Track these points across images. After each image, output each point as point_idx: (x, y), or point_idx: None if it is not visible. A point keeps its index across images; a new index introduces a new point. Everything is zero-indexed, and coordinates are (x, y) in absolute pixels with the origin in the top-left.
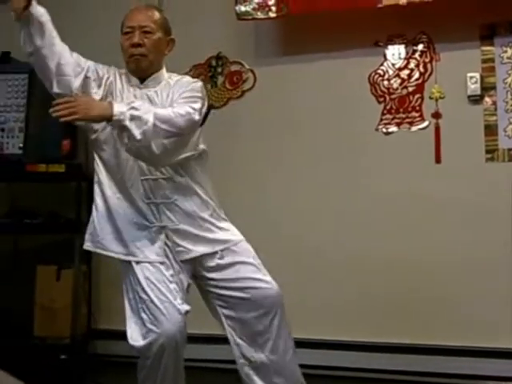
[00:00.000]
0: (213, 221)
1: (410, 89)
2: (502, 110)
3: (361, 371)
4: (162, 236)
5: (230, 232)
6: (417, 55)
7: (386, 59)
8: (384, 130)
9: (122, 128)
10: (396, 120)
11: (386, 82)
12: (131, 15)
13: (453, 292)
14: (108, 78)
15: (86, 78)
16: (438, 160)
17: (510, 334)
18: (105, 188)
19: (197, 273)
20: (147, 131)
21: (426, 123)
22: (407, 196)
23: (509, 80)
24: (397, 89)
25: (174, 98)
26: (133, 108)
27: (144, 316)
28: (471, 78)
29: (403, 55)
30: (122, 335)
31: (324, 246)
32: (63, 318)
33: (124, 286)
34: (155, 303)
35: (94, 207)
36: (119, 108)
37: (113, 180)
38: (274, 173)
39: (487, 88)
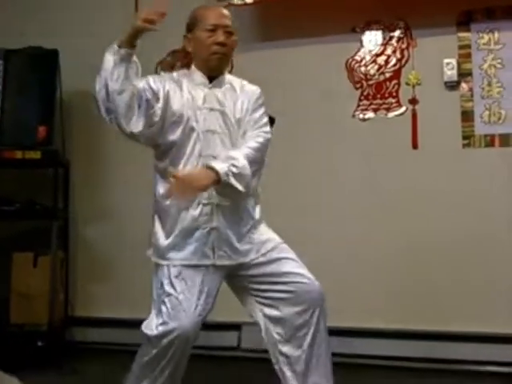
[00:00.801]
0: (254, 228)
1: (387, 75)
2: (479, 96)
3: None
4: (211, 238)
5: (269, 234)
6: (394, 41)
7: (363, 45)
8: (361, 115)
9: (226, 185)
10: (373, 106)
11: (363, 68)
12: (213, 14)
13: (434, 279)
14: (164, 88)
15: (147, 101)
16: (414, 146)
17: None
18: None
19: (234, 272)
20: (248, 182)
21: (402, 109)
22: (384, 181)
23: (485, 66)
24: (374, 75)
25: (242, 114)
26: (232, 165)
27: (164, 309)
28: (448, 64)
29: (380, 41)
30: (100, 322)
31: (302, 235)
32: (40, 305)
33: (155, 279)
34: (179, 299)
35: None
36: (221, 170)
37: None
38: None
39: (464, 74)
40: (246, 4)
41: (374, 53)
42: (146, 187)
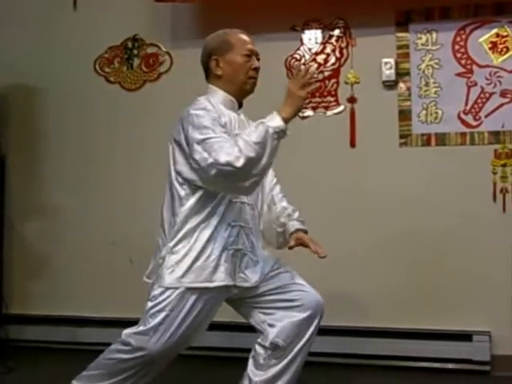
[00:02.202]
0: (262, 248)
1: (326, 73)
2: (416, 96)
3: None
4: (235, 259)
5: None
6: (333, 40)
7: (302, 44)
8: (300, 113)
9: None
10: (312, 104)
11: (302, 67)
12: (248, 39)
13: (374, 277)
14: (220, 118)
15: None
16: (352, 144)
17: None
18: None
19: (236, 296)
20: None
21: (341, 108)
22: (321, 180)
23: (423, 66)
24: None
25: None
26: None
27: (157, 325)
28: (386, 63)
29: (320, 40)
30: (36, 320)
31: None
32: None
33: (167, 304)
34: (183, 337)
35: None
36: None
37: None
38: None
39: (402, 74)
40: (186, 0)
41: (313, 51)
42: (82, 183)
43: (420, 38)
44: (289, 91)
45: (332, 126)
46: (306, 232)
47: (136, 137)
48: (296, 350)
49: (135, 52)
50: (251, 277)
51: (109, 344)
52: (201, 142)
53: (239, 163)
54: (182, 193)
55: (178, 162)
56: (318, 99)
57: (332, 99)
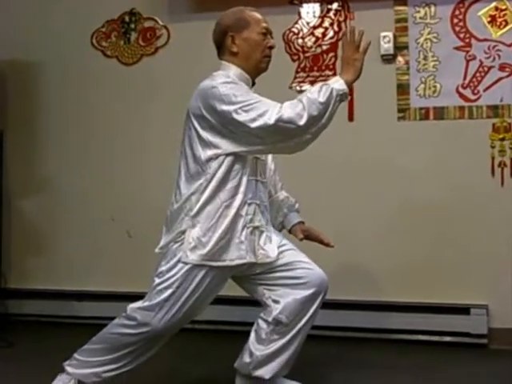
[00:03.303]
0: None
1: (324, 47)
2: (414, 70)
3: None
4: (253, 237)
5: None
6: (331, 14)
7: (300, 17)
8: (298, 87)
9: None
10: (310, 78)
11: (300, 41)
12: (263, 18)
13: (374, 249)
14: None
15: None
16: (350, 118)
17: None
18: None
19: (241, 272)
20: None
21: None
22: (319, 154)
23: (421, 40)
24: (311, 47)
25: None
26: None
27: (171, 310)
28: (384, 37)
29: (318, 14)
30: (35, 294)
31: None
32: None
33: (175, 280)
34: (188, 313)
35: None
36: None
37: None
38: None
39: (400, 47)
40: None
41: (311, 25)
42: (81, 159)
43: (418, 12)
44: (344, 57)
45: None
46: (303, 223)
47: (134, 111)
48: (299, 326)
49: (132, 26)
50: (271, 252)
51: (107, 318)
52: (247, 104)
53: (302, 121)
54: (206, 168)
55: (205, 134)
56: (316, 73)
57: (330, 73)
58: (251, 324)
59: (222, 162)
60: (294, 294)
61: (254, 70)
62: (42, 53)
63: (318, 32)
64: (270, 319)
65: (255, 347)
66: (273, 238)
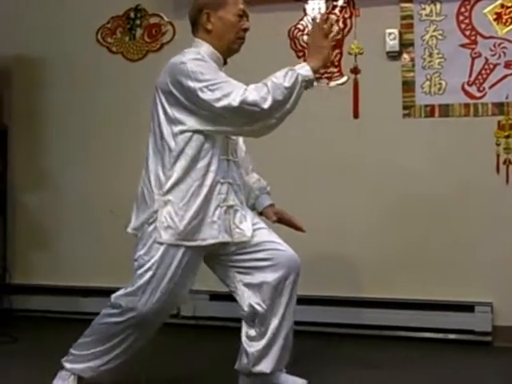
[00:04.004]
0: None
1: None
2: (420, 67)
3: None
4: (228, 216)
5: None
6: (337, 10)
7: (306, 14)
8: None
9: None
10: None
11: (305, 37)
12: (241, 0)
13: (376, 247)
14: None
15: None
16: (355, 115)
17: None
18: None
19: (214, 251)
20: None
21: (344, 78)
22: (325, 150)
23: (426, 37)
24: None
25: None
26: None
27: (154, 292)
28: (390, 34)
29: (323, 10)
30: (39, 289)
31: None
32: None
33: (154, 262)
34: (172, 294)
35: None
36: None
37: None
38: None
39: (405, 44)
40: None
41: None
42: (86, 155)
43: (424, 9)
44: (312, 43)
45: (335, 96)
46: (274, 205)
47: (138, 107)
48: (280, 312)
49: (138, 22)
50: (246, 231)
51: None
52: (213, 83)
53: (266, 104)
54: (173, 145)
55: (171, 110)
56: (321, 70)
57: (335, 70)
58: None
59: (190, 138)
60: (264, 277)
61: (226, 50)
62: (46, 49)
63: None
64: (245, 308)
65: (248, 345)
66: (247, 216)
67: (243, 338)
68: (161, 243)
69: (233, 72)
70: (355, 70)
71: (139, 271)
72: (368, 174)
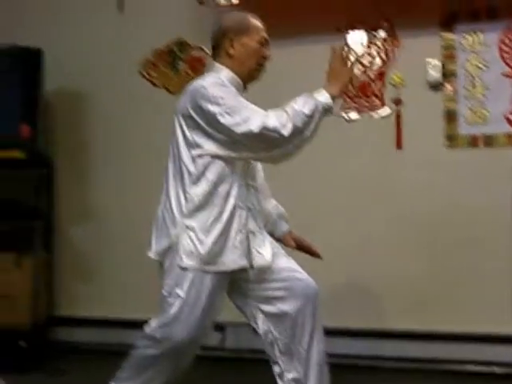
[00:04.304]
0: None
1: (372, 75)
2: (462, 97)
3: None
4: (249, 241)
5: None
6: (378, 41)
7: (347, 44)
8: (345, 116)
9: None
10: (357, 106)
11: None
12: (264, 28)
13: (419, 278)
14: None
15: None
16: (398, 146)
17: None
18: None
19: (233, 277)
20: None
21: (386, 109)
22: (368, 182)
23: (469, 67)
24: (358, 75)
25: None
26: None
27: (172, 312)
28: (432, 64)
29: (364, 41)
30: (84, 322)
31: None
32: (23, 305)
33: (174, 281)
34: (204, 319)
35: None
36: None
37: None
38: None
39: (448, 75)
40: (231, 5)
41: (358, 53)
42: (130, 186)
43: (466, 39)
44: (331, 71)
45: (378, 127)
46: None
47: None
48: (305, 340)
49: (180, 55)
50: (266, 255)
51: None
52: (233, 108)
53: (286, 131)
54: (192, 169)
55: (190, 134)
56: (363, 101)
57: (377, 101)
58: None
59: (209, 163)
60: (283, 307)
61: (247, 77)
62: (90, 82)
63: (365, 60)
64: (263, 336)
65: (286, 370)
66: (266, 241)
67: (277, 369)
68: (185, 268)
69: (275, 104)
70: (397, 101)
71: (169, 299)
72: (413, 205)
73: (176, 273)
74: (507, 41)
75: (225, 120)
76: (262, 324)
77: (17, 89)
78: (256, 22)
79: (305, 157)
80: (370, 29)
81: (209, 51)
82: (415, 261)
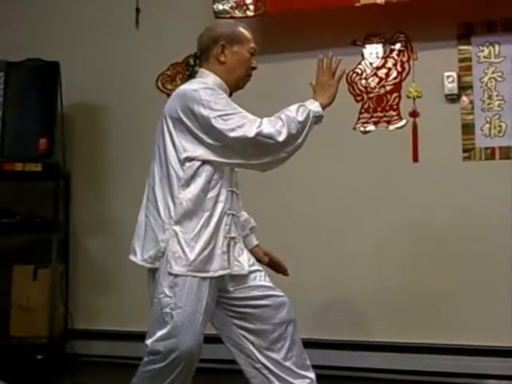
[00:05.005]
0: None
1: (388, 88)
2: (479, 109)
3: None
4: (231, 248)
5: None
6: (394, 54)
7: (363, 58)
8: (362, 128)
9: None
10: (374, 119)
11: (363, 81)
12: (252, 37)
13: (431, 291)
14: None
15: None
16: (415, 159)
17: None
18: None
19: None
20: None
21: (403, 122)
22: (384, 194)
23: (485, 79)
24: (374, 88)
25: None
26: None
27: (170, 322)
28: (448, 77)
29: (381, 54)
30: (101, 335)
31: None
32: (40, 318)
33: (164, 289)
34: (187, 313)
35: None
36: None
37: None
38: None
39: (464, 87)
40: (247, 17)
41: (374, 66)
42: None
43: (482, 51)
44: (319, 82)
45: (394, 140)
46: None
47: None
48: (282, 356)
49: (197, 69)
50: (244, 264)
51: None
52: (226, 113)
53: (281, 137)
54: (181, 173)
55: (177, 137)
56: (379, 114)
57: (394, 113)
58: None
59: (198, 168)
60: (261, 325)
61: (234, 85)
62: (107, 96)
63: (382, 72)
64: (242, 355)
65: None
66: (245, 250)
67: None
68: (177, 275)
69: None
70: (414, 114)
71: (165, 310)
72: (429, 218)
73: (169, 280)
74: None
75: (218, 124)
76: (236, 335)
77: (34, 102)
78: (247, 32)
79: (322, 168)
80: (386, 41)
81: None
82: (432, 274)
